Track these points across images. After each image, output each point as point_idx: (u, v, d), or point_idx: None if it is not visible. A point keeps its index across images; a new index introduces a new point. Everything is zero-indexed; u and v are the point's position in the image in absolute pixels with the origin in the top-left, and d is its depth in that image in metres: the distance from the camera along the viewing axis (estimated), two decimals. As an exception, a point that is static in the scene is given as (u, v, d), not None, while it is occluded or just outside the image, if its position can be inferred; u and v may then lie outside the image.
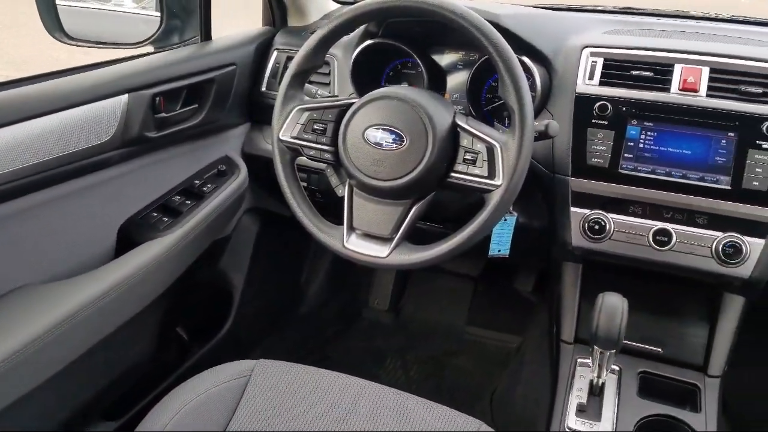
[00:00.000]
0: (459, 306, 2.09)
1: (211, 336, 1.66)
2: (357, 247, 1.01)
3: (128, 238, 1.24)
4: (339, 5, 1.70)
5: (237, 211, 1.52)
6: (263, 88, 1.50)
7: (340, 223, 1.04)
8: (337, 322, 2.09)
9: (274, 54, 1.49)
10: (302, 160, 1.08)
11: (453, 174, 0.97)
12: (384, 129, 0.96)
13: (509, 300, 2.05)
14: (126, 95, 1.18)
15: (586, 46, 1.19)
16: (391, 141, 0.96)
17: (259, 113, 1.52)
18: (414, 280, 2.17)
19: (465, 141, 0.96)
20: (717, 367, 1.22)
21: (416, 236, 1.01)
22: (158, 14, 1.40)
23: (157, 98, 1.24)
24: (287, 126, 1.05)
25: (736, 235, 1.10)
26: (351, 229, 1.02)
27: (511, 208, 1.17)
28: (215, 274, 1.65)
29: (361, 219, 1.01)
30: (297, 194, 1.06)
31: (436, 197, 1.01)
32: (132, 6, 1.61)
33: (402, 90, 1.00)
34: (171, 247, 1.22)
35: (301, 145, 1.05)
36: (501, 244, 1.23)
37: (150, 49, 1.38)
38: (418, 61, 1.29)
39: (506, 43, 0.93)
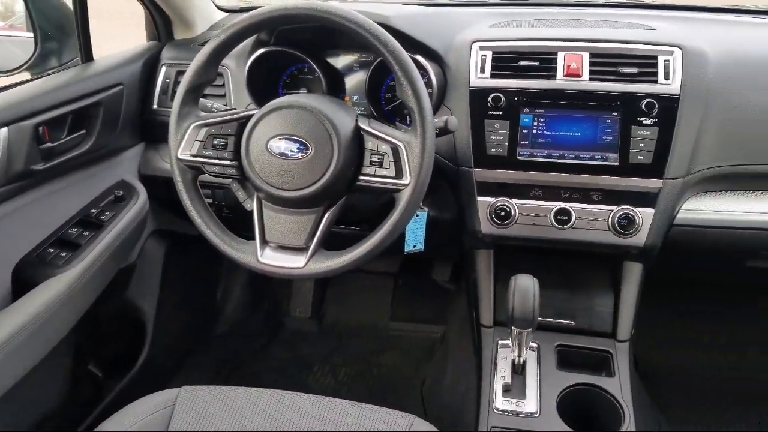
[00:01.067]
0: (381, 304, 2.10)
1: (128, 369, 1.58)
2: (272, 260, 0.99)
3: (25, 278, 1.15)
4: (225, 14, 1.66)
5: (140, 236, 1.45)
6: (155, 106, 1.44)
7: (251, 237, 1.02)
8: (260, 336, 2.06)
9: (163, 69, 1.44)
10: (206, 176, 1.05)
11: (361, 177, 0.97)
12: (287, 139, 0.95)
13: (429, 292, 2.09)
14: (5, 128, 1.09)
15: (475, 41, 1.22)
16: (295, 150, 0.95)
17: (153, 132, 1.46)
18: (334, 283, 2.16)
19: (370, 143, 0.97)
20: (625, 332, 1.30)
21: (333, 241, 1.01)
22: (31, 35, 1.31)
23: (41, 128, 1.16)
24: (185, 144, 1.02)
25: (628, 207, 1.17)
26: (264, 242, 1.01)
27: (421, 204, 1.20)
28: (124, 305, 1.57)
29: (274, 231, 1.00)
30: (203, 213, 1.04)
31: (348, 201, 1.01)
32: (-1, 26, 1.50)
33: (301, 98, 1.00)
34: (73, 283, 1.15)
35: (203, 163, 1.02)
36: (415, 239, 1.26)
37: (27, 75, 1.29)
38: (314, 65, 1.28)
39: (398, 43, 0.94)
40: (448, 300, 2.03)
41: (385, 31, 0.94)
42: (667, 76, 1.14)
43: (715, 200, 1.21)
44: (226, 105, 1.34)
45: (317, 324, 2.10)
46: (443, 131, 1.04)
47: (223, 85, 1.36)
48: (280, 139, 0.96)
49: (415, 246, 1.26)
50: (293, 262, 0.98)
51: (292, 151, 0.95)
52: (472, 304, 1.42)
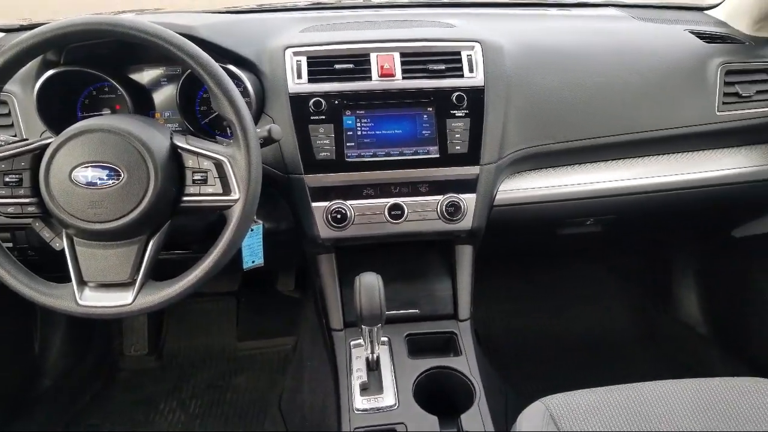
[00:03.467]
0: (225, 326, 2.03)
1: None
2: (94, 301, 0.91)
3: None
4: (2, 35, 1.46)
5: None
6: None
7: (66, 279, 0.92)
8: (93, 383, 1.87)
9: None
10: (0, 218, 0.93)
11: (185, 198, 0.93)
12: (94, 166, 0.88)
13: (275, 304, 2.05)
14: None
15: (288, 47, 1.21)
16: (105, 178, 0.88)
17: None
18: (171, 313, 2.04)
19: (190, 161, 0.92)
20: (465, 311, 1.37)
21: (163, 269, 0.95)
22: None
23: None
24: None
25: (453, 195, 1.24)
26: (82, 283, 0.92)
27: (255, 217, 1.16)
28: None
29: (92, 269, 0.92)
30: (3, 260, 0.92)
31: (174, 224, 0.95)
32: None
33: (105, 120, 0.92)
34: None
35: None
36: (253, 254, 1.22)
37: None
38: (115, 83, 1.18)
39: (206, 54, 0.90)
40: (296, 309, 2.00)
41: (189, 42, 0.89)
42: (471, 70, 1.22)
43: (525, 180, 1.33)
44: (15, 136, 1.19)
45: (157, 359, 1.97)
46: (268, 141, 1.02)
47: (8, 114, 1.20)
48: (85, 167, 0.88)
49: (254, 261, 1.22)
50: (119, 300, 0.91)
51: (101, 179, 0.88)
52: (321, 310, 1.41)
